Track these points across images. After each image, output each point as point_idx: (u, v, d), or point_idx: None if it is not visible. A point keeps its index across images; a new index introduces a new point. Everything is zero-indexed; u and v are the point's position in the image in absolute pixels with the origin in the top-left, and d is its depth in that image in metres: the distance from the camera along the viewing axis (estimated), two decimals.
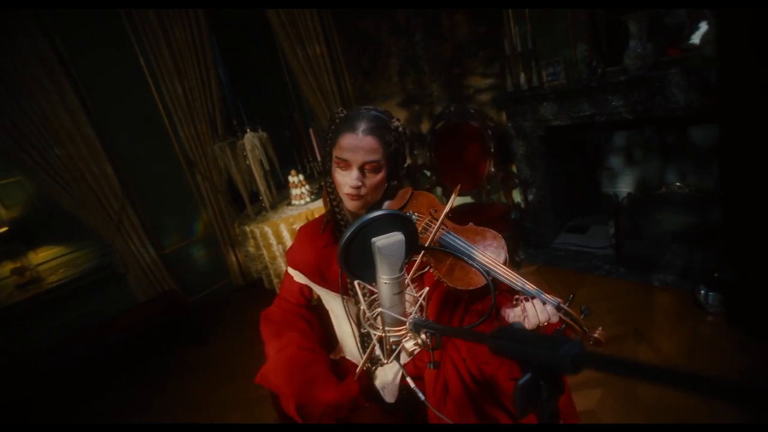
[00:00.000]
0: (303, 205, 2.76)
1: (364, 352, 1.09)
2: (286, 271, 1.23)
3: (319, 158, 3.02)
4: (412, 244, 0.72)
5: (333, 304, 1.15)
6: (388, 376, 1.06)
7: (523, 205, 2.91)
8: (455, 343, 0.98)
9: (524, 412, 0.41)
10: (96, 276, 2.96)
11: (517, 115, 2.67)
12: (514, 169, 2.94)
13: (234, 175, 2.84)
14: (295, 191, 2.79)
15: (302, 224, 1.26)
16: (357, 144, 0.93)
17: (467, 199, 3.20)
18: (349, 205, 1.00)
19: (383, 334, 0.70)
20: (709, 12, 1.88)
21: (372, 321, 0.73)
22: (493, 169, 2.89)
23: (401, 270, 0.68)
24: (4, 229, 2.76)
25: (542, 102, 2.48)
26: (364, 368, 1.06)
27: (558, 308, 0.83)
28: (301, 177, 2.77)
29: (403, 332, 0.69)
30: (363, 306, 0.73)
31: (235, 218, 3.14)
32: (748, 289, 1.75)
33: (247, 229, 2.77)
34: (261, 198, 2.88)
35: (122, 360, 2.71)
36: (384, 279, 0.68)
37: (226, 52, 3.51)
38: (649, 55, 1.97)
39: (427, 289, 0.74)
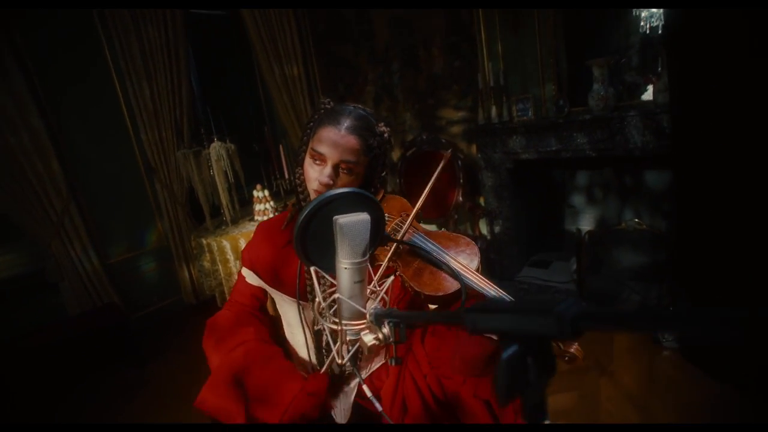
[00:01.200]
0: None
1: (318, 364, 0.97)
2: (239, 272, 1.10)
3: (287, 176, 2.93)
4: (378, 231, 0.65)
5: (287, 309, 1.02)
6: (340, 391, 0.94)
7: (489, 237, 2.91)
8: (416, 358, 0.89)
9: (507, 398, 0.33)
10: (21, 283, 2.64)
11: (487, 146, 2.72)
12: (482, 201, 2.96)
13: (195, 186, 2.69)
14: (258, 206, 2.65)
15: (261, 223, 1.13)
16: (337, 140, 0.85)
17: (434, 228, 3.17)
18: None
19: (340, 328, 0.60)
20: (654, 78, 2.02)
21: (328, 314, 0.63)
22: (461, 199, 2.89)
23: (364, 255, 0.60)
24: None
25: (512, 135, 2.55)
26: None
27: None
28: (266, 192, 2.65)
29: (362, 326, 0.60)
30: (318, 297, 0.64)
31: (193, 231, 2.94)
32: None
33: (204, 242, 2.59)
34: (222, 211, 2.72)
35: (43, 378, 2.37)
36: (344, 263, 0.59)
37: (200, 59, 3.43)
38: (610, 97, 2.08)
39: (391, 278, 0.65)
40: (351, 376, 0.98)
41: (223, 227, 2.70)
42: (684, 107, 1.62)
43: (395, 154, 3.46)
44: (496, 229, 2.84)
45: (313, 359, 0.99)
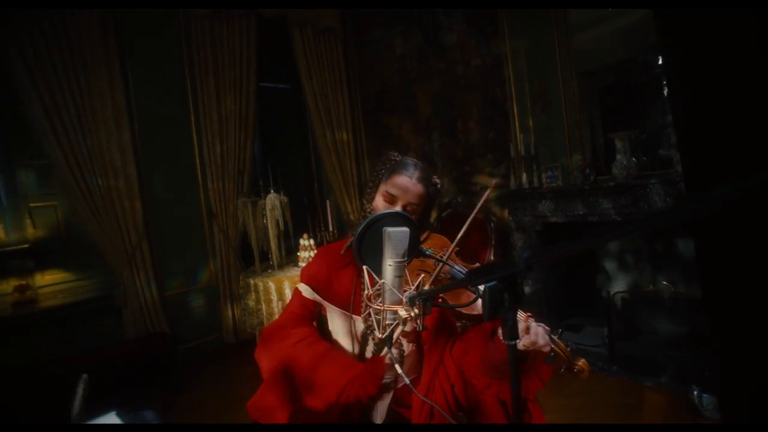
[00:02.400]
0: None
1: None
2: (296, 288, 1.33)
3: (331, 229, 3.24)
4: (414, 243, 0.88)
5: (337, 321, 1.23)
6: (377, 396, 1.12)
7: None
8: (446, 368, 1.06)
9: (491, 316, 0.53)
10: (92, 306, 3.00)
11: (518, 210, 2.94)
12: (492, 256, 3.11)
13: (250, 231, 3.05)
14: (303, 254, 2.95)
15: (323, 246, 1.37)
16: (409, 187, 1.10)
17: None
18: None
19: (383, 308, 0.82)
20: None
21: (373, 302, 0.85)
22: (492, 259, 3.06)
23: (403, 257, 0.83)
24: (25, 246, 2.91)
25: (541, 200, 2.76)
26: None
27: (512, 346, 0.93)
28: (311, 242, 2.96)
29: (400, 307, 0.81)
30: (368, 291, 0.86)
31: (241, 272, 3.26)
32: (740, 397, 1.76)
33: (252, 281, 2.88)
34: (270, 256, 3.04)
35: (94, 391, 2.60)
36: (389, 262, 0.83)
37: (263, 122, 3.98)
38: (633, 167, 2.29)
39: (422, 276, 0.87)
40: (387, 387, 1.15)
41: (269, 271, 2.99)
42: (694, 167, 1.79)
43: (432, 215, 3.73)
44: (526, 289, 2.95)
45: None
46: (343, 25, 4.13)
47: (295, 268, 2.93)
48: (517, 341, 0.88)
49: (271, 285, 2.76)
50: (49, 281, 3.08)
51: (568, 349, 0.93)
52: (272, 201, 2.93)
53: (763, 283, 1.66)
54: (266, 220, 2.99)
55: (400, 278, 0.83)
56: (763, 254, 1.63)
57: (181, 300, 3.27)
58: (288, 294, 2.73)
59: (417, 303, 0.78)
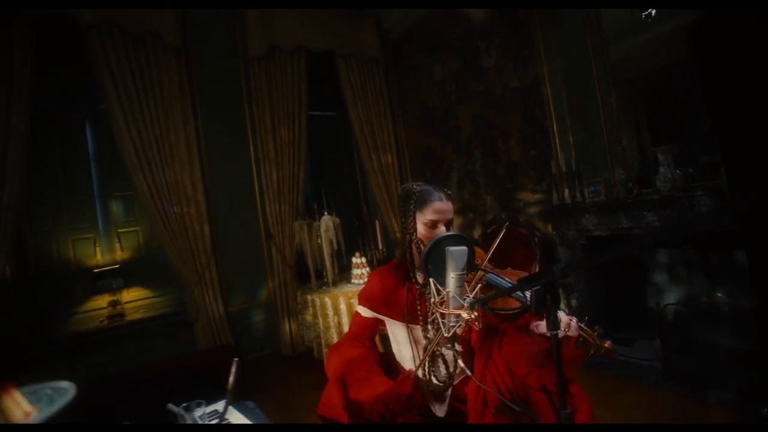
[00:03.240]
0: (361, 284, 3.11)
1: (422, 373, 1.34)
2: (356, 311, 1.52)
3: (381, 247, 3.47)
4: (471, 259, 1.06)
5: (397, 331, 1.43)
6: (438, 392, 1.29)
7: (566, 311, 3.06)
8: (495, 362, 1.23)
9: (538, 311, 0.70)
10: (169, 319, 3.37)
11: (561, 225, 3.03)
12: (537, 267, 3.17)
13: (306, 251, 3.32)
14: (356, 271, 3.18)
15: (374, 271, 1.57)
16: (445, 208, 1.30)
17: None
18: None
19: (448, 311, 1.00)
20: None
21: (438, 308, 1.04)
22: (534, 269, 3.15)
23: (463, 270, 1.02)
24: (116, 266, 3.35)
25: (584, 214, 2.84)
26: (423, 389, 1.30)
27: (554, 336, 1.08)
28: (363, 259, 3.19)
29: (461, 310, 0.99)
30: (435, 298, 1.05)
31: (297, 290, 3.53)
32: None
33: (309, 297, 3.13)
34: (324, 274, 3.29)
35: (168, 398, 2.92)
36: (452, 274, 1.01)
37: (313, 148, 4.31)
38: (677, 179, 2.34)
39: (478, 286, 1.05)
40: (445, 386, 1.32)
41: (325, 287, 3.24)
42: (737, 177, 1.85)
43: (476, 232, 3.86)
44: (573, 302, 3.00)
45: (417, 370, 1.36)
46: (384, 54, 4.44)
47: (349, 285, 3.15)
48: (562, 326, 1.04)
49: (328, 301, 3.00)
50: (133, 297, 3.51)
51: (595, 334, 1.08)
52: (326, 222, 3.20)
53: None
54: (320, 240, 3.26)
55: (461, 287, 1.01)
56: None
57: (243, 315, 3.58)
58: (343, 308, 2.95)
59: (476, 307, 0.96)
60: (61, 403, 0.71)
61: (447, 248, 1.02)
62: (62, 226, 3.39)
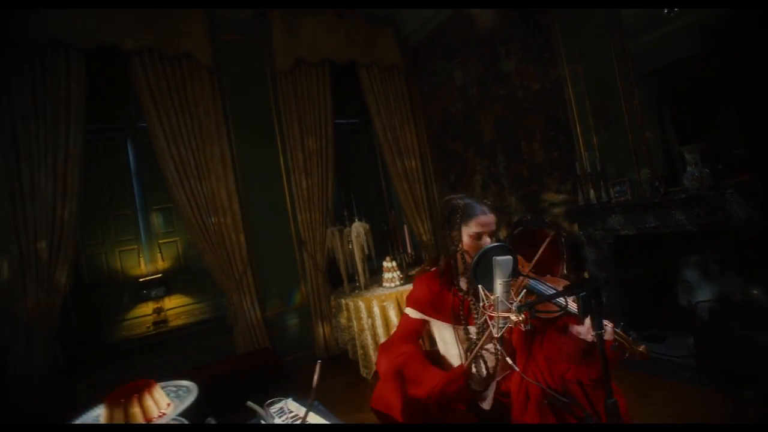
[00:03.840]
0: (393, 287, 3.23)
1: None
2: (404, 313, 1.64)
3: (409, 250, 3.58)
4: (515, 267, 1.17)
5: (444, 332, 1.54)
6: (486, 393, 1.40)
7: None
8: (536, 359, 1.32)
9: (585, 314, 0.80)
10: (209, 325, 3.56)
11: (588, 225, 3.08)
12: (586, 274, 3.22)
13: (338, 256, 3.45)
14: (387, 275, 3.30)
15: (419, 276, 1.68)
16: (488, 221, 1.41)
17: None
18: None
19: (497, 314, 1.11)
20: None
21: (488, 311, 1.15)
22: (565, 272, 3.20)
23: (509, 276, 1.12)
24: (159, 275, 3.55)
25: (611, 214, 2.89)
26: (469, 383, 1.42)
27: (599, 335, 1.17)
28: (394, 264, 3.31)
29: (509, 313, 1.10)
30: (484, 301, 1.16)
31: (330, 293, 3.68)
32: None
33: (343, 301, 3.27)
34: (356, 278, 3.42)
35: (213, 400, 3.09)
36: (499, 281, 1.12)
37: (339, 156, 4.45)
38: (705, 177, 2.38)
39: (523, 291, 1.15)
40: (491, 381, 1.42)
41: (357, 291, 3.37)
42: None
43: (501, 234, 3.93)
44: (603, 300, 3.05)
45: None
46: (405, 61, 4.55)
47: (381, 288, 3.28)
48: (588, 334, 1.13)
49: (362, 304, 3.13)
50: (175, 304, 3.71)
51: (630, 338, 1.16)
52: (357, 228, 3.33)
53: None
54: (351, 245, 3.39)
55: (508, 293, 1.11)
56: None
57: (278, 319, 3.74)
58: (376, 311, 3.08)
59: (524, 310, 1.06)
60: (189, 400, 0.84)
61: (494, 258, 1.13)
62: (109, 239, 3.62)
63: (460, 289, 1.47)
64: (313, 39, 3.96)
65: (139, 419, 0.76)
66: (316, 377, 1.10)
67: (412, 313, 1.57)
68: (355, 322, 3.17)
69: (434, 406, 1.29)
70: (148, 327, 3.49)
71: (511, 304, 1.10)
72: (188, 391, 0.87)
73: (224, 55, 3.66)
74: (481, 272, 1.15)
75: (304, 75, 3.94)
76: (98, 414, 0.82)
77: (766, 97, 2.05)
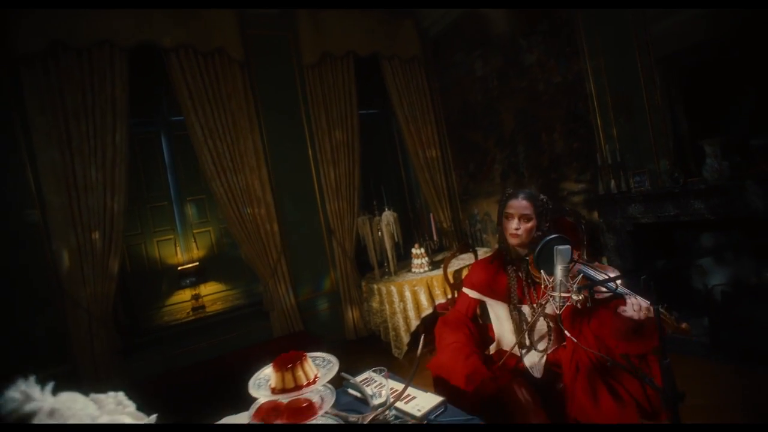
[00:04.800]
0: (422, 273, 3.44)
1: (518, 343, 1.65)
2: (462, 291, 1.86)
3: (435, 237, 3.77)
4: (572, 255, 1.36)
5: (498, 310, 1.75)
6: (535, 358, 1.61)
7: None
8: (585, 336, 1.53)
9: (644, 296, 1.00)
10: (246, 310, 3.78)
11: (608, 213, 3.27)
12: (605, 260, 3.43)
13: (368, 244, 3.66)
14: (416, 261, 3.51)
15: (476, 260, 1.90)
16: (518, 204, 1.64)
17: None
18: (511, 242, 1.68)
19: (558, 294, 1.31)
20: None
21: (551, 292, 1.35)
22: (585, 257, 3.41)
23: (568, 263, 1.32)
24: (196, 264, 3.76)
25: (630, 203, 3.08)
26: (518, 354, 1.62)
27: (657, 309, 1.36)
28: (422, 250, 3.51)
29: (569, 294, 1.29)
30: (548, 283, 1.36)
31: (359, 280, 3.89)
32: None
33: (375, 286, 3.48)
34: (386, 265, 3.63)
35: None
36: (560, 267, 1.31)
37: (363, 146, 4.61)
38: (724, 169, 2.56)
39: (580, 276, 1.35)
40: (544, 355, 1.64)
41: (387, 277, 3.58)
42: None
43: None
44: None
45: (514, 339, 1.68)
46: (425, 52, 4.68)
47: (410, 274, 3.48)
48: (634, 313, 1.32)
49: (393, 289, 3.34)
50: (210, 291, 3.93)
51: (672, 317, 1.36)
52: (387, 217, 3.52)
53: None
54: (381, 233, 3.59)
55: (567, 276, 1.31)
56: None
57: (310, 304, 3.96)
58: (407, 295, 3.29)
59: (583, 291, 1.26)
60: (334, 369, 1.04)
61: (555, 247, 1.32)
62: (147, 229, 3.81)
63: (518, 273, 1.67)
64: (337, 32, 4.08)
65: (302, 381, 0.96)
66: (420, 348, 1.29)
67: (470, 293, 1.79)
68: (387, 306, 3.39)
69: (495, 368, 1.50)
70: (188, 312, 3.71)
71: (571, 286, 1.30)
72: (330, 362, 1.06)
73: (254, 50, 3.80)
74: (543, 259, 1.34)
75: (330, 68, 4.08)
76: (268, 373, 1.02)
77: None
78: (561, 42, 3.56)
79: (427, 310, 3.29)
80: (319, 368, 1.02)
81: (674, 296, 3.34)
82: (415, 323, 3.30)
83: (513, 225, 1.64)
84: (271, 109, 3.86)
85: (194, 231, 3.94)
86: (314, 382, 0.98)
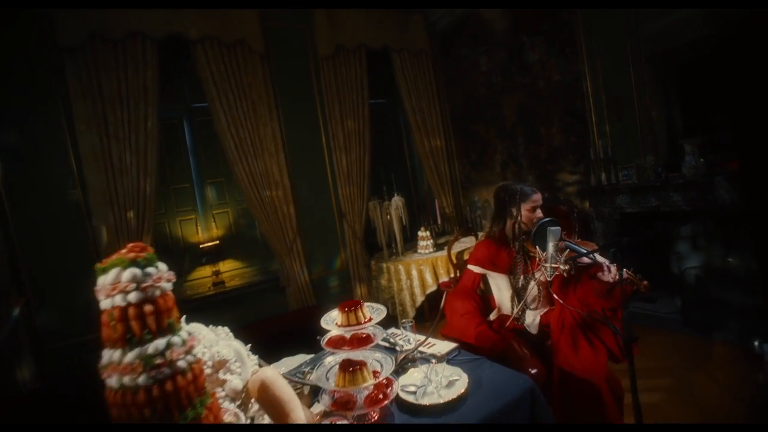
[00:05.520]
0: (427, 253, 3.82)
1: (517, 311, 2.04)
2: (467, 268, 2.22)
3: (439, 221, 4.14)
4: (561, 234, 1.73)
5: (499, 281, 2.11)
6: (531, 318, 2.00)
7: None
8: (570, 299, 1.91)
9: (614, 263, 1.37)
10: (263, 286, 4.14)
11: (598, 203, 3.65)
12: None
13: (378, 226, 4.01)
14: (421, 243, 3.88)
15: (479, 241, 2.26)
16: (539, 199, 2.01)
17: None
18: (527, 227, 2.02)
19: (548, 264, 1.68)
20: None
21: (545, 263, 1.72)
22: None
23: (558, 241, 1.69)
24: (216, 242, 4.09)
25: (618, 195, 3.46)
26: (518, 315, 2.01)
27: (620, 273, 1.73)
28: (428, 233, 3.88)
29: (559, 264, 1.67)
30: (541, 255, 1.73)
31: (367, 259, 4.26)
32: None
33: (384, 265, 3.85)
34: (393, 246, 3.99)
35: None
36: (551, 244, 1.68)
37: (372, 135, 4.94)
38: (700, 166, 2.93)
39: (566, 251, 1.72)
40: (537, 315, 2.02)
41: (394, 257, 3.95)
42: (749, 167, 2.45)
43: None
44: None
45: (513, 307, 2.06)
46: (432, 46, 4.96)
47: (416, 254, 3.86)
48: (608, 276, 1.69)
49: (401, 268, 3.72)
50: (228, 268, 4.28)
51: (637, 277, 1.74)
52: (396, 202, 3.88)
53: None
54: (390, 217, 3.95)
55: (556, 251, 1.68)
56: None
57: (322, 281, 4.33)
58: (414, 274, 3.67)
59: (569, 263, 1.63)
60: (383, 314, 1.40)
61: (548, 228, 1.69)
62: (170, 210, 4.12)
63: (517, 250, 2.04)
64: (351, 26, 4.35)
65: (362, 319, 1.31)
66: (443, 304, 1.65)
67: (475, 269, 2.15)
68: (395, 283, 3.77)
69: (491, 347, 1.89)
70: (209, 288, 4.06)
71: (560, 258, 1.67)
72: (379, 309, 1.42)
73: (273, 42, 4.06)
74: (538, 237, 1.71)
75: (344, 60, 4.36)
76: (335, 316, 1.38)
77: (750, 89, 2.55)
78: (561, 42, 3.87)
79: (432, 288, 3.68)
80: (371, 313, 1.38)
81: (653, 280, 3.77)
82: (420, 299, 3.69)
83: (538, 214, 2.00)
84: (288, 98, 4.15)
85: (214, 212, 4.26)
86: (369, 320, 1.34)
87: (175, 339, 0.86)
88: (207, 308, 3.90)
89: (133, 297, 0.83)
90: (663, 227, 3.52)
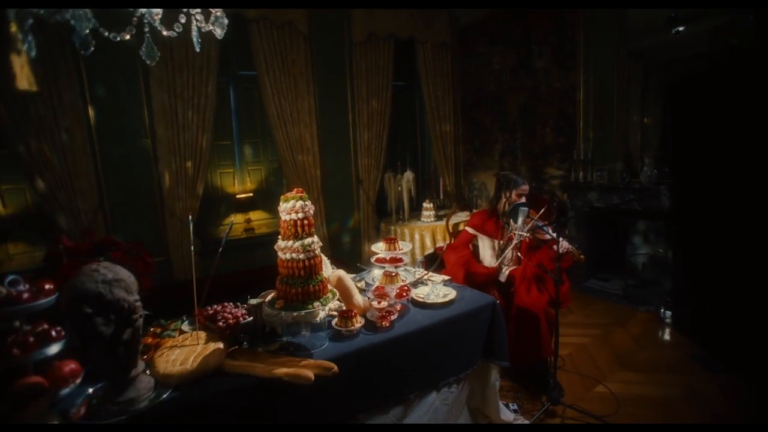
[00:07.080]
0: (429, 222, 4.71)
1: (497, 262, 2.95)
2: (463, 230, 3.11)
3: (441, 196, 5.03)
4: (528, 213, 2.63)
5: (485, 242, 2.99)
6: (504, 271, 2.93)
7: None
8: (532, 261, 2.82)
9: (555, 233, 2.26)
10: None
11: (574, 196, 4.55)
12: (566, 231, 4.74)
13: (390, 195, 4.88)
14: (425, 212, 4.77)
15: (475, 212, 3.15)
16: (527, 189, 2.86)
17: None
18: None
19: (517, 232, 2.58)
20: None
21: (516, 231, 2.61)
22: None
23: (525, 217, 2.58)
24: (250, 194, 4.95)
25: (590, 191, 4.35)
26: (498, 267, 2.93)
27: (558, 242, 2.63)
28: (431, 205, 4.77)
29: (525, 230, 2.56)
30: (513, 225, 2.61)
31: (377, 222, 5.15)
32: (687, 311, 3.41)
33: (392, 228, 4.75)
34: (401, 212, 4.88)
35: None
36: (520, 218, 2.58)
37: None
38: (653, 176, 3.82)
39: (530, 224, 2.62)
40: (506, 269, 2.94)
41: (401, 222, 4.85)
42: (681, 178, 3.35)
43: None
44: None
45: (494, 263, 2.97)
46: (452, 41, 5.70)
47: (419, 222, 4.75)
48: (561, 248, 2.61)
49: (406, 231, 4.62)
50: (258, 217, 5.14)
51: (578, 252, 2.65)
52: (407, 176, 4.74)
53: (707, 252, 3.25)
54: (401, 188, 4.82)
55: (523, 224, 2.57)
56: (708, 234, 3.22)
57: (337, 237, 5.23)
58: (417, 237, 4.58)
59: (528, 231, 2.52)
60: (409, 247, 2.28)
61: (519, 207, 2.58)
62: (214, 163, 4.92)
63: (502, 221, 2.93)
64: (384, 17, 5.06)
65: (399, 248, 2.21)
66: (443, 254, 2.55)
67: (470, 230, 3.04)
68: None
69: (480, 279, 2.80)
70: (241, 232, 4.93)
71: (525, 229, 2.57)
72: (408, 244, 2.32)
73: (316, 26, 4.78)
74: (513, 214, 2.61)
75: (374, 46, 5.10)
76: (381, 245, 2.27)
77: (680, 108, 3.40)
78: (564, 56, 4.66)
79: (429, 250, 4.60)
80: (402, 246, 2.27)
81: (609, 263, 4.73)
82: (419, 259, 4.61)
83: (523, 199, 2.87)
84: (323, 76, 4.91)
85: (249, 168, 5.07)
86: (401, 250, 2.24)
87: (315, 239, 1.74)
88: (240, 248, 4.78)
89: (300, 215, 1.70)
90: (616, 226, 4.46)
